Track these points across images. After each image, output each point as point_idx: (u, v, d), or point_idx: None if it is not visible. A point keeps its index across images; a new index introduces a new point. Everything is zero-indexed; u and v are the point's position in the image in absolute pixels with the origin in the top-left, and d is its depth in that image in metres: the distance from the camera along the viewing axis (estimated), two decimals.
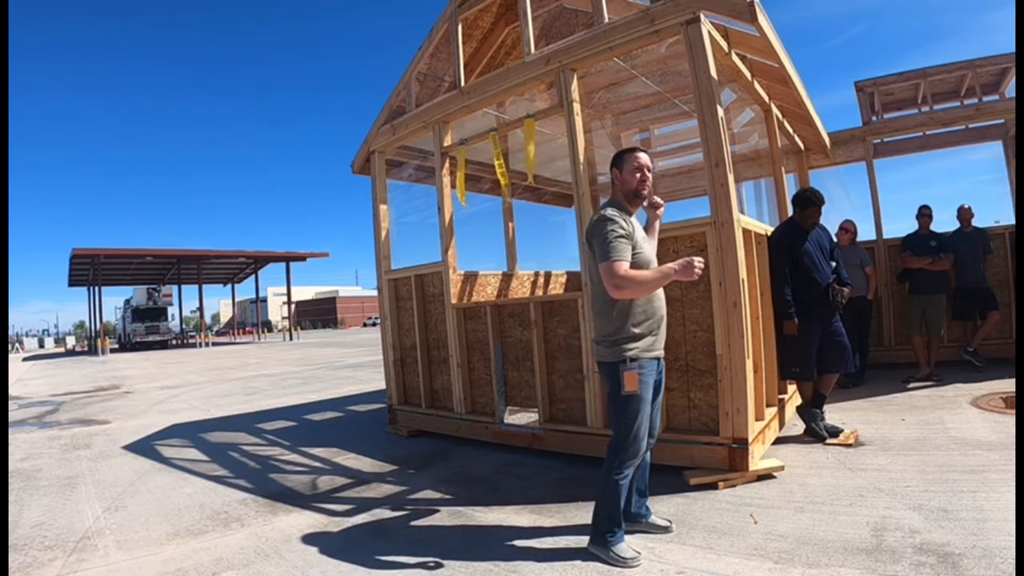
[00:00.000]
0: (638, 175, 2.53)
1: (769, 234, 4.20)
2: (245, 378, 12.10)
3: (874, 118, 6.93)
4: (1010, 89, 6.75)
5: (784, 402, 4.26)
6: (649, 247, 2.60)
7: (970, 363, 5.68)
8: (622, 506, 2.49)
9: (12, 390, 12.42)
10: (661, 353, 2.56)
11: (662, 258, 3.43)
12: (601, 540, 2.45)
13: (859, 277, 5.58)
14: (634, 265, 2.42)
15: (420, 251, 5.18)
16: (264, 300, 59.97)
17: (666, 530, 2.65)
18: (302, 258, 37.22)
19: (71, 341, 55.54)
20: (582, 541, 2.55)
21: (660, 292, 2.54)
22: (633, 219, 2.59)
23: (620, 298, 2.41)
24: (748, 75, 4.52)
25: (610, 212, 2.48)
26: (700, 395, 3.38)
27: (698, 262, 2.34)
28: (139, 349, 32.70)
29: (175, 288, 38.60)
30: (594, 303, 2.58)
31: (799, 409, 4.17)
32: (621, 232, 2.39)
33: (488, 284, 6.07)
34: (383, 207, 5.48)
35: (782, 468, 3.29)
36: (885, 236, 6.56)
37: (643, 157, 2.56)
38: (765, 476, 3.22)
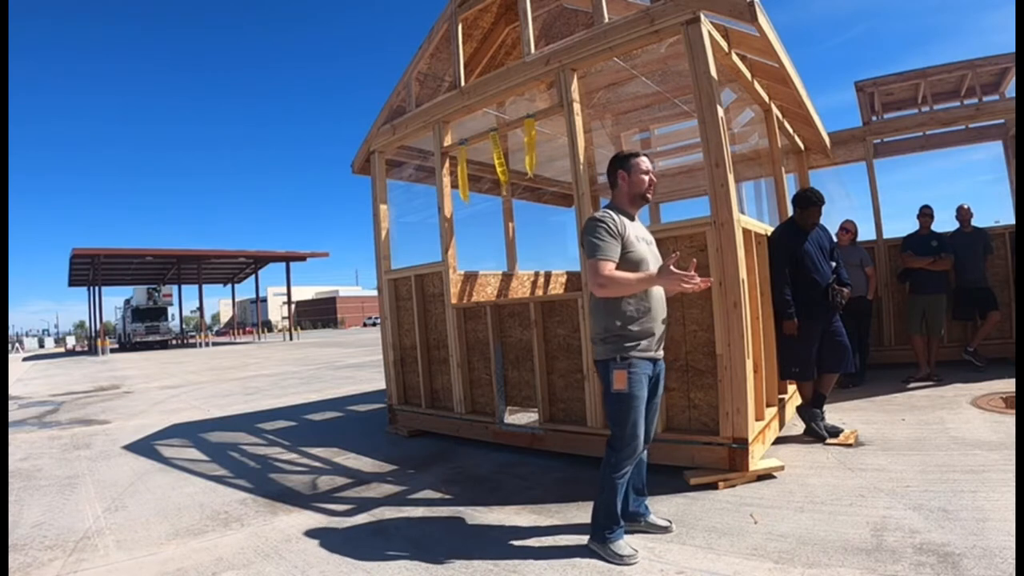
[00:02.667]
0: (646, 178, 2.60)
1: (769, 234, 4.20)
2: (245, 378, 12.10)
3: (874, 118, 6.92)
4: (1010, 89, 6.75)
5: (784, 402, 4.26)
6: (645, 247, 2.58)
7: (970, 363, 5.68)
8: (620, 504, 2.50)
9: (12, 390, 12.42)
10: (658, 355, 2.55)
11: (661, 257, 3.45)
12: (600, 537, 2.46)
13: (859, 277, 5.58)
14: (626, 263, 2.46)
15: (420, 251, 5.19)
16: (264, 300, 60.07)
17: (666, 530, 2.65)
18: (302, 258, 37.23)
19: (71, 341, 55.57)
20: (582, 540, 2.56)
21: (658, 292, 2.53)
22: (632, 221, 2.61)
23: (602, 296, 2.46)
24: (748, 75, 4.52)
25: (600, 213, 2.55)
26: (700, 395, 3.38)
27: (688, 281, 2.28)
28: (139, 349, 32.71)
29: (175, 288, 38.61)
30: (590, 301, 2.65)
31: (799, 409, 4.17)
32: (610, 231, 2.44)
33: (488, 284, 6.07)
34: (383, 207, 5.48)
35: (782, 468, 3.29)
36: (885, 236, 6.56)
37: (648, 162, 2.64)
38: (765, 476, 3.22)
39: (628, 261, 2.48)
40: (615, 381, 2.43)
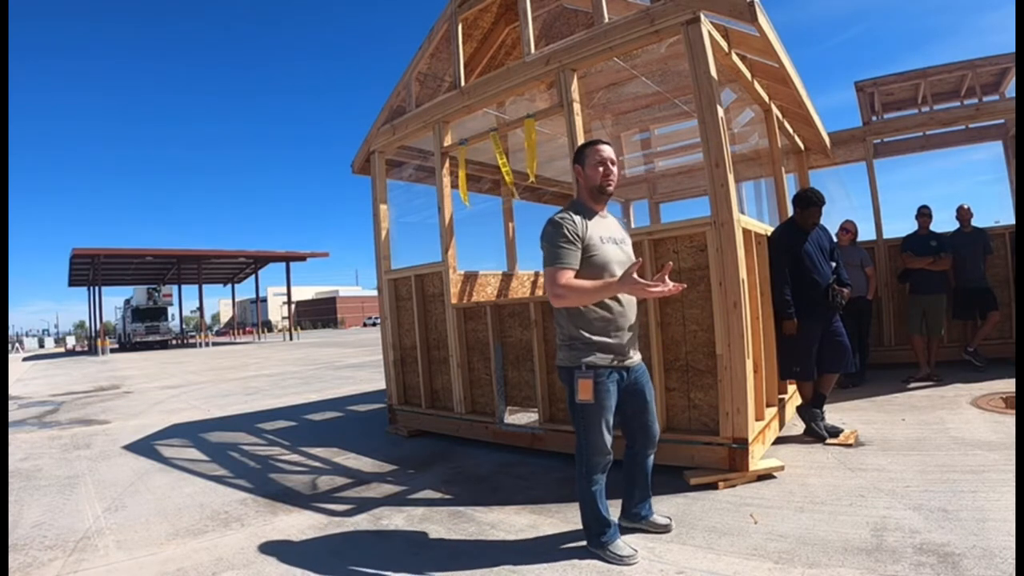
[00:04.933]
0: (601, 169, 2.40)
1: (769, 234, 4.20)
2: (245, 378, 12.10)
3: (874, 118, 6.92)
4: (1010, 89, 6.75)
5: (784, 402, 4.26)
6: (613, 248, 2.41)
7: (970, 363, 5.68)
8: (603, 507, 2.47)
9: (12, 390, 12.42)
10: (631, 361, 2.44)
11: (661, 258, 3.46)
12: (596, 541, 2.46)
13: (859, 277, 5.58)
14: (589, 267, 2.32)
15: (420, 251, 5.19)
16: (264, 300, 60.12)
17: (666, 528, 2.64)
18: (302, 258, 37.24)
19: (71, 341, 55.56)
20: (582, 541, 2.55)
21: (626, 297, 2.39)
22: (597, 218, 2.45)
23: (559, 306, 2.33)
24: (748, 75, 4.52)
25: (560, 215, 2.36)
26: (700, 395, 3.38)
27: (652, 288, 2.12)
28: (139, 349, 32.71)
29: (175, 288, 38.61)
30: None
31: (799, 409, 4.17)
32: (567, 236, 2.29)
33: (488, 284, 6.08)
34: (383, 207, 5.48)
35: (782, 468, 3.29)
36: (885, 236, 6.56)
37: (606, 150, 2.43)
38: (765, 476, 3.22)
39: (591, 265, 2.33)
40: (580, 391, 2.31)
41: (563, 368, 2.43)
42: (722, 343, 3.20)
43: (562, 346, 2.44)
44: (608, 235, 2.44)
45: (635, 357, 2.49)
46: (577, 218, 2.36)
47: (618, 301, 2.38)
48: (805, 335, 3.95)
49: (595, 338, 2.35)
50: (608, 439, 2.39)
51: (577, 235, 2.31)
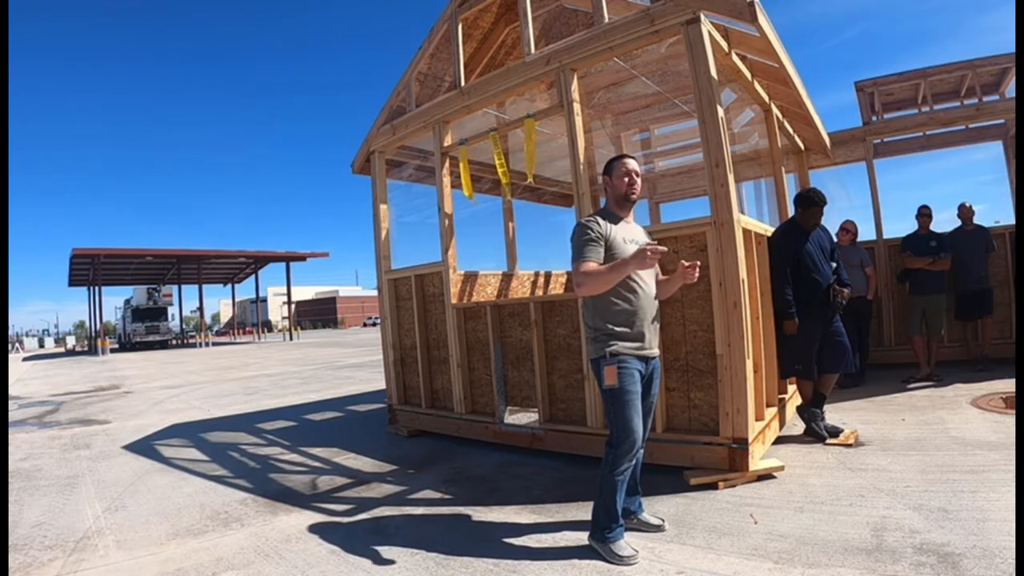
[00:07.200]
0: (626, 179, 2.62)
1: (770, 234, 4.20)
2: (245, 378, 12.10)
3: (874, 118, 6.93)
4: (1010, 89, 6.76)
5: (784, 402, 4.26)
6: (634, 249, 2.51)
7: (973, 363, 5.70)
8: (620, 503, 2.50)
9: (12, 390, 12.42)
10: (651, 352, 2.58)
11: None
12: (600, 536, 2.47)
13: (859, 277, 5.58)
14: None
15: (420, 251, 5.20)
16: (264, 300, 60.14)
17: (658, 528, 2.66)
18: (302, 258, 37.25)
19: (71, 341, 55.61)
20: (582, 540, 2.56)
21: (645, 291, 2.56)
22: (623, 223, 2.64)
23: (582, 295, 2.51)
24: (748, 75, 4.52)
25: (586, 218, 2.60)
26: (700, 395, 3.38)
27: (652, 249, 2.29)
28: (139, 349, 32.73)
29: (175, 288, 38.61)
30: (583, 302, 2.69)
31: (799, 409, 4.17)
32: (591, 235, 2.50)
33: (488, 284, 6.07)
34: (383, 207, 5.48)
35: (782, 468, 3.29)
36: (885, 236, 6.56)
37: (631, 163, 2.66)
38: (765, 476, 3.22)
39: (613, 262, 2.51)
40: (606, 377, 2.47)
41: (592, 361, 2.60)
42: (722, 343, 3.20)
43: (589, 340, 2.61)
44: (631, 238, 2.62)
45: (655, 350, 2.61)
46: (602, 221, 2.58)
47: (637, 294, 2.53)
48: (805, 335, 3.95)
49: (617, 328, 2.51)
50: (637, 423, 2.48)
51: (600, 235, 2.53)
